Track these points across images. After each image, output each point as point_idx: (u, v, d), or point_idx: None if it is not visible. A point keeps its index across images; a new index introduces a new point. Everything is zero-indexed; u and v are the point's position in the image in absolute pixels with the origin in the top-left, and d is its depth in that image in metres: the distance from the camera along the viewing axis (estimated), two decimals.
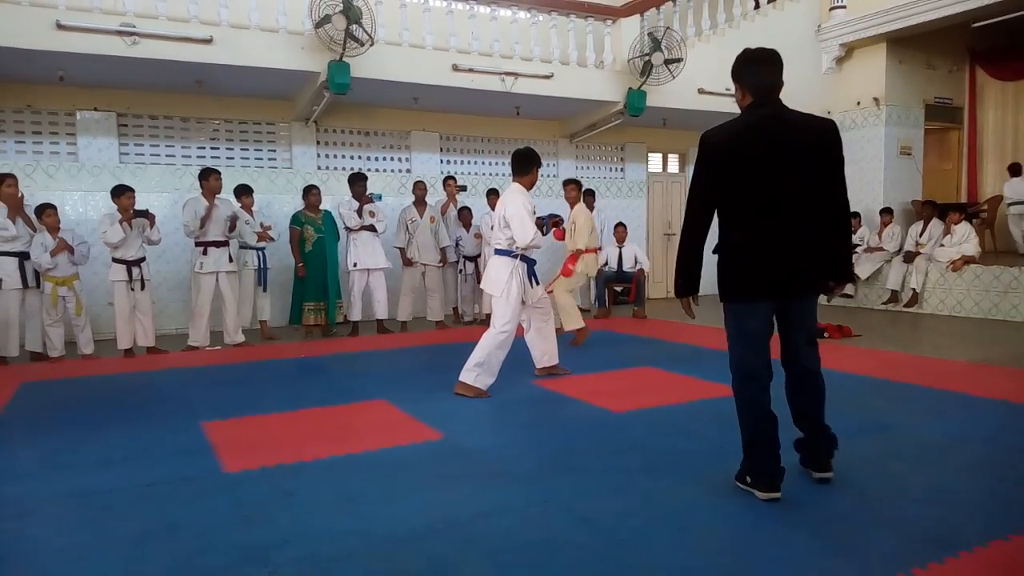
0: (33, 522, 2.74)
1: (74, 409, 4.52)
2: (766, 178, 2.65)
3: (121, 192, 6.30)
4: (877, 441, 3.54)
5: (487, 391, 4.64)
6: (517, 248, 4.69)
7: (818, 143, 2.70)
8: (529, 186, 4.86)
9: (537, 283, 4.94)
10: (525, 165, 4.81)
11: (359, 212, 7.36)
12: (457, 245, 8.46)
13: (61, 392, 5.04)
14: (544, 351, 5.16)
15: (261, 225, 7.32)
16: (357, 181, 7.45)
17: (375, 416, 4.23)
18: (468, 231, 8.49)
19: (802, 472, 2.97)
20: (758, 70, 2.74)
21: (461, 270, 8.55)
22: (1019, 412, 4.06)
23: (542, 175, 9.88)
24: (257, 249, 7.35)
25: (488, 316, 8.07)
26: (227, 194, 7.12)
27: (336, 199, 8.41)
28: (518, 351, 5.44)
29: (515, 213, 4.65)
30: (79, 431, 3.96)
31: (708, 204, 2.77)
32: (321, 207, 7.53)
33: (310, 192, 7.46)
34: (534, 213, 4.80)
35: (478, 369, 4.62)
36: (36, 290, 6.24)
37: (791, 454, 2.91)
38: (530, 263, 4.84)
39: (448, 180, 8.31)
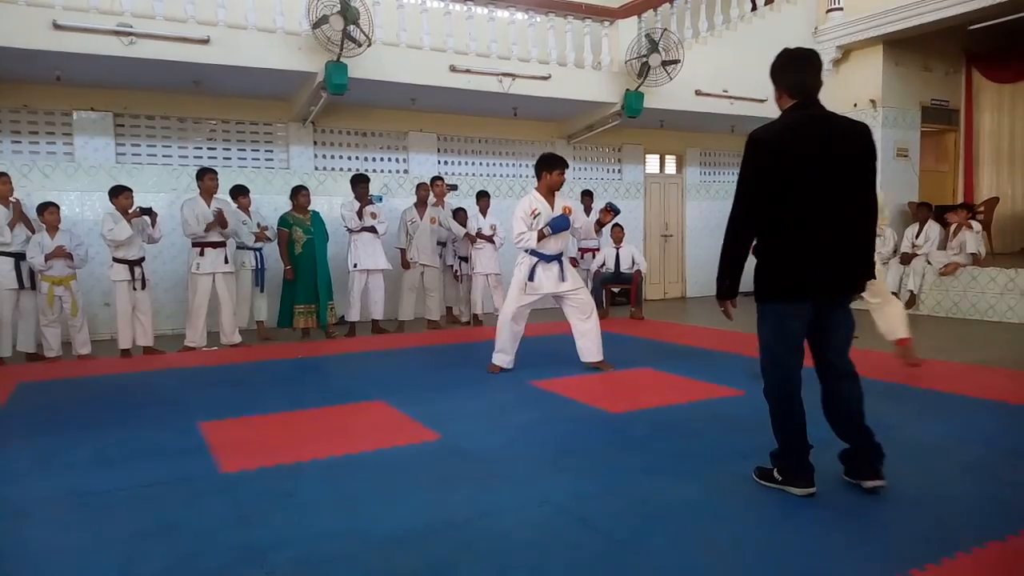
0: (30, 522, 2.73)
1: (71, 409, 4.50)
2: (814, 178, 2.63)
3: (119, 192, 6.30)
4: None
5: (498, 367, 5.41)
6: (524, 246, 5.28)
7: (858, 146, 2.71)
8: (547, 189, 5.27)
9: (564, 279, 5.30)
10: (536, 170, 5.33)
11: (359, 213, 7.36)
12: (453, 245, 8.47)
13: (58, 392, 5.03)
14: (581, 347, 5.43)
15: (258, 225, 7.31)
16: (359, 182, 7.44)
17: (373, 417, 4.23)
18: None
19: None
20: (796, 70, 2.74)
21: (456, 272, 8.55)
22: (1016, 413, 4.07)
23: None
24: (254, 249, 7.34)
25: (475, 316, 8.23)
26: (224, 194, 7.11)
27: (332, 200, 8.42)
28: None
29: (514, 215, 5.30)
30: (76, 431, 3.96)
31: (757, 203, 2.70)
32: (310, 208, 7.51)
33: (299, 193, 7.41)
34: (535, 215, 5.20)
35: (496, 351, 5.43)
36: (31, 291, 6.23)
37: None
38: (545, 258, 5.24)
39: (435, 180, 8.27)
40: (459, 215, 8.32)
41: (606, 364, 5.44)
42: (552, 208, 5.27)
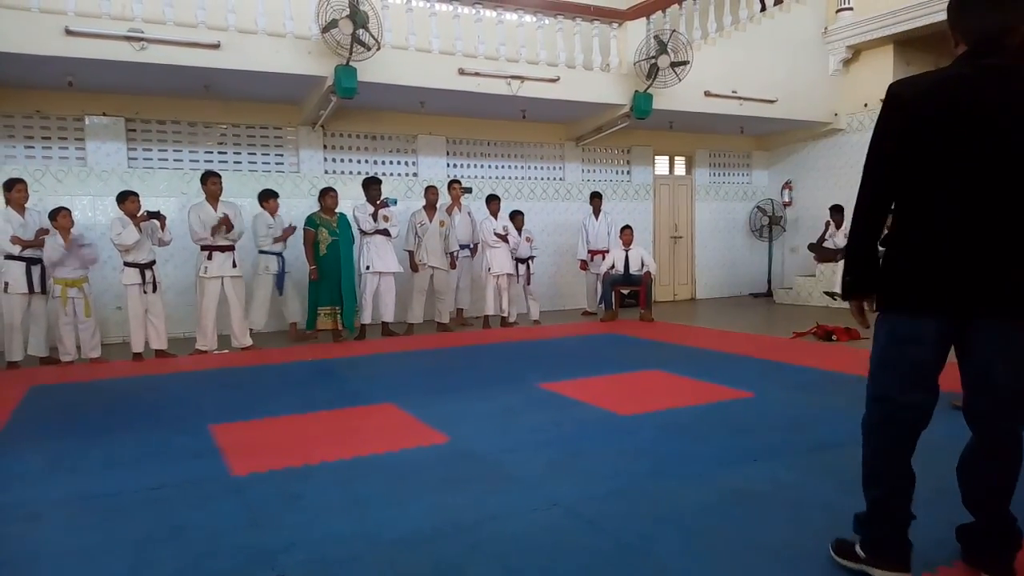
0: (41, 525, 2.75)
1: (82, 412, 4.54)
2: (971, 148, 1.91)
3: (125, 197, 6.36)
4: None
5: None
6: None
7: None
8: None
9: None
10: None
11: (373, 216, 7.39)
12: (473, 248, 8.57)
13: (69, 396, 5.07)
14: None
15: (286, 228, 7.37)
16: (371, 185, 7.48)
17: (382, 419, 4.24)
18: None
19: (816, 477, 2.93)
20: (978, 7, 1.98)
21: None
22: None
23: (549, 179, 9.96)
24: (276, 254, 7.38)
25: (486, 318, 8.24)
26: (236, 198, 7.14)
27: (342, 204, 8.43)
28: (510, 354, 5.44)
29: None
30: (87, 434, 3.99)
31: (890, 175, 2.02)
32: (338, 210, 7.52)
33: (327, 194, 7.42)
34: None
35: None
36: (42, 295, 6.27)
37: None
38: None
39: (453, 184, 8.36)
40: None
41: None
42: None
